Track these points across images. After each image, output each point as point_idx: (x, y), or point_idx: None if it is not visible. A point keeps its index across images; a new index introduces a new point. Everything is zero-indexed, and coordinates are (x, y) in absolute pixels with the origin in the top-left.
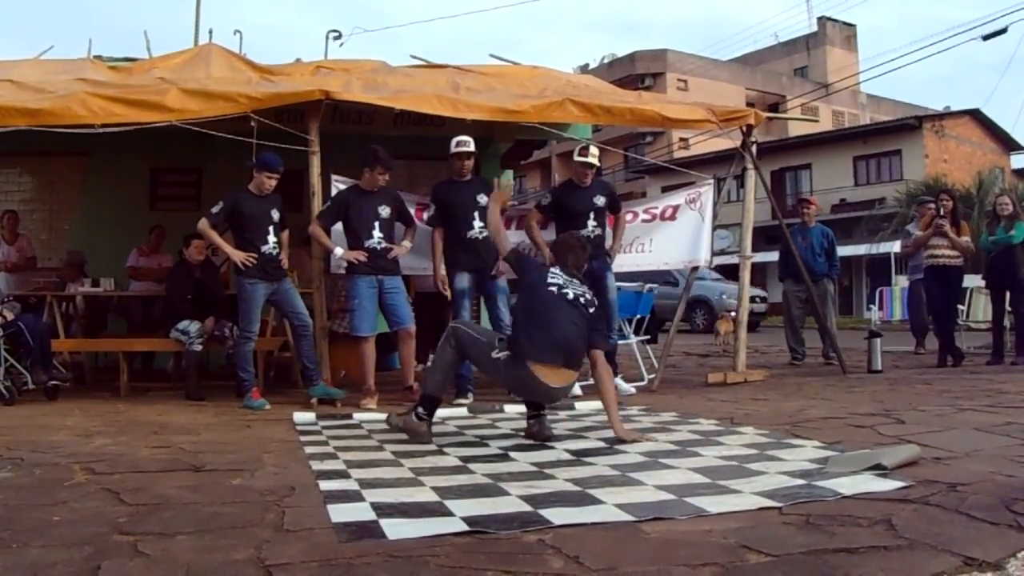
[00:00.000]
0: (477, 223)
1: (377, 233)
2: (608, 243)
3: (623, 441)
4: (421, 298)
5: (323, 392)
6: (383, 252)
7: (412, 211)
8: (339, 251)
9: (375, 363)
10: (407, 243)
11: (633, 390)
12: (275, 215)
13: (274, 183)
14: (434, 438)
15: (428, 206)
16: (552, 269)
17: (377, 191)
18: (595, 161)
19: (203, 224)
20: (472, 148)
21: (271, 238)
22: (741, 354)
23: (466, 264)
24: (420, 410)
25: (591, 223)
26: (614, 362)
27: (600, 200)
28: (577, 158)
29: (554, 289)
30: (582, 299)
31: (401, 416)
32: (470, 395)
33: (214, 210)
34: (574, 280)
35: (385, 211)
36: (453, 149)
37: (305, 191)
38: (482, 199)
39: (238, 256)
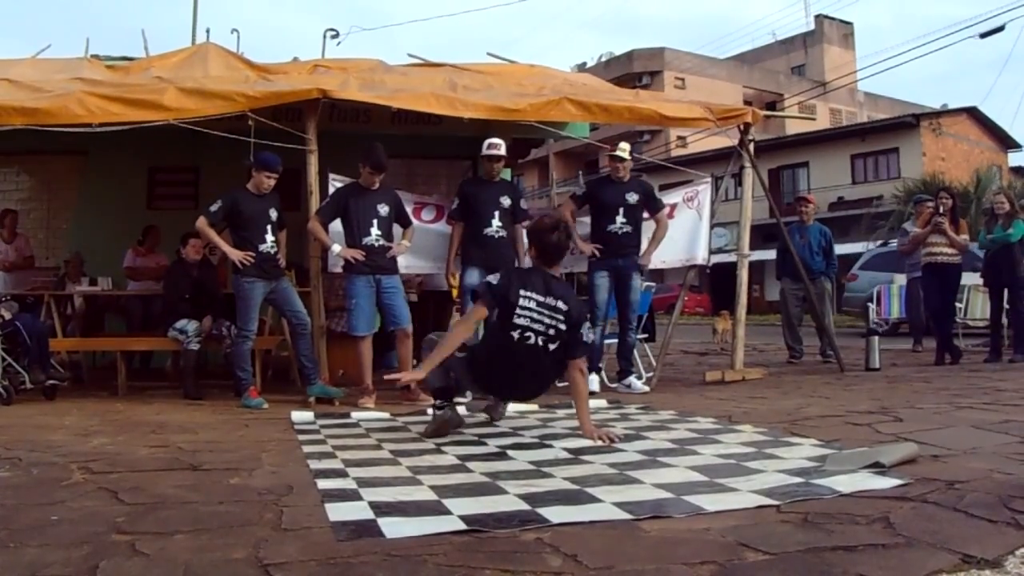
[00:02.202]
0: (496, 222)
1: (375, 231)
2: (640, 242)
3: (592, 439)
4: (427, 297)
5: (321, 391)
6: (381, 250)
7: (410, 210)
8: (336, 248)
9: (373, 362)
10: (406, 242)
11: (647, 388)
12: (273, 214)
13: (273, 182)
14: (431, 437)
15: (427, 205)
16: (524, 292)
17: (376, 189)
18: (623, 155)
19: (201, 222)
20: (503, 152)
21: (269, 237)
22: (739, 352)
23: (478, 261)
24: (437, 402)
25: (620, 219)
26: (627, 359)
27: (633, 197)
28: (608, 153)
29: (516, 334)
30: (547, 334)
31: (428, 425)
32: (468, 394)
33: (212, 208)
34: (547, 301)
35: (384, 209)
36: (484, 151)
37: (303, 190)
38: (505, 201)
39: (236, 255)
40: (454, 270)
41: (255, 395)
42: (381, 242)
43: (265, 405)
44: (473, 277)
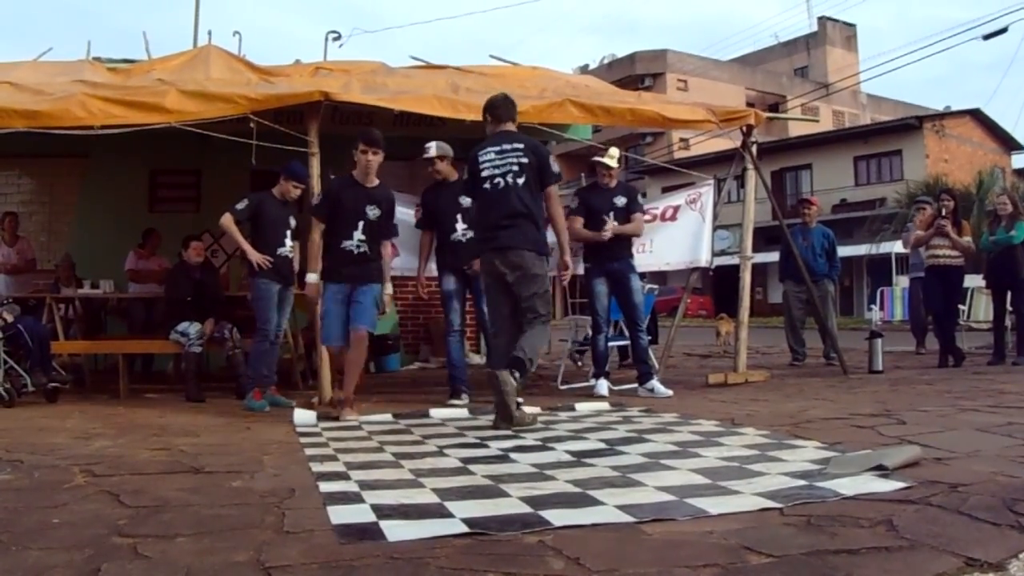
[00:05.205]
0: (460, 226)
1: (358, 235)
2: (631, 244)
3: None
4: None
5: (248, 405)
6: (361, 259)
7: (411, 212)
8: (312, 277)
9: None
10: (388, 293)
11: (670, 392)
12: (292, 222)
13: (299, 192)
14: (433, 439)
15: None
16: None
17: (372, 187)
18: (610, 162)
19: (227, 219)
20: (432, 153)
21: (288, 242)
22: (742, 355)
23: (451, 265)
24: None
25: (611, 223)
26: (645, 362)
27: (621, 201)
28: (594, 159)
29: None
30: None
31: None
32: (464, 396)
33: (239, 207)
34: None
35: (373, 212)
36: (424, 156)
37: (305, 192)
38: (465, 200)
39: (255, 257)
40: (423, 280)
41: (259, 397)
42: (362, 249)
43: (267, 408)
44: (450, 283)
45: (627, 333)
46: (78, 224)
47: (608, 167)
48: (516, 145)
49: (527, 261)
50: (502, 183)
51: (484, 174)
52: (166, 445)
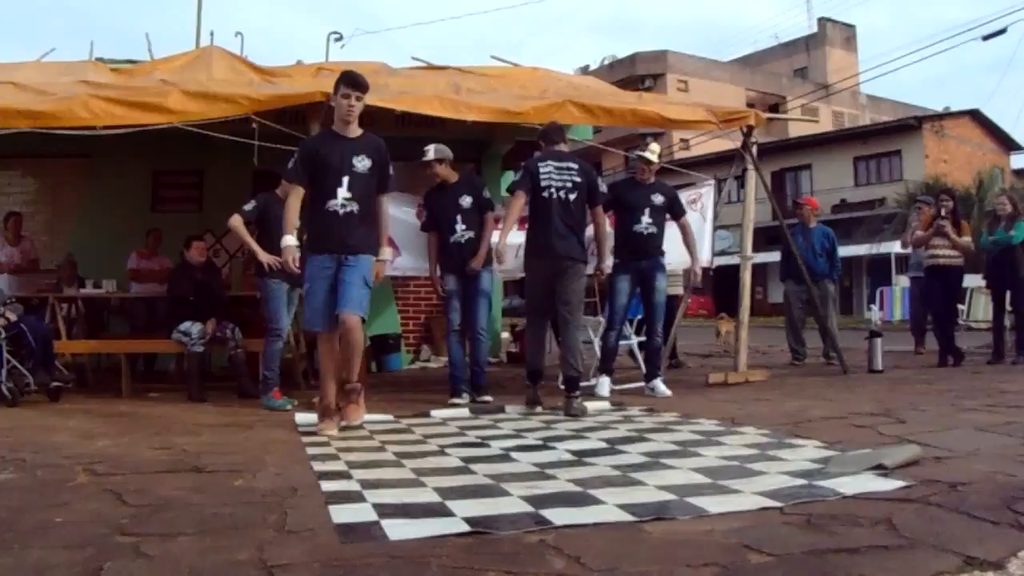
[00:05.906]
0: (459, 226)
1: (343, 192)
2: (662, 243)
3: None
4: None
5: (268, 404)
6: (348, 220)
7: (412, 212)
8: (289, 240)
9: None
10: (386, 253)
11: (670, 392)
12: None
13: None
14: (435, 439)
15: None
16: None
17: (356, 137)
18: (652, 157)
19: (236, 220)
20: (430, 156)
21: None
22: (742, 354)
23: (451, 267)
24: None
25: (645, 219)
26: (655, 363)
27: (658, 199)
28: (636, 153)
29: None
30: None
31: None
32: (465, 395)
33: (247, 208)
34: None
35: (362, 163)
36: (422, 159)
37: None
38: (464, 201)
39: (265, 258)
40: (438, 279)
41: (279, 396)
42: (349, 208)
43: (289, 406)
44: (451, 283)
45: (628, 332)
46: (81, 224)
47: (649, 161)
48: (571, 165)
49: (574, 270)
50: (556, 195)
51: (543, 183)
52: (168, 444)
